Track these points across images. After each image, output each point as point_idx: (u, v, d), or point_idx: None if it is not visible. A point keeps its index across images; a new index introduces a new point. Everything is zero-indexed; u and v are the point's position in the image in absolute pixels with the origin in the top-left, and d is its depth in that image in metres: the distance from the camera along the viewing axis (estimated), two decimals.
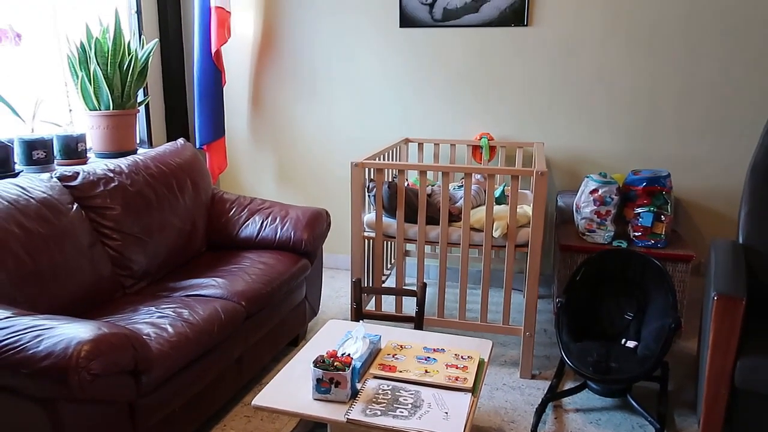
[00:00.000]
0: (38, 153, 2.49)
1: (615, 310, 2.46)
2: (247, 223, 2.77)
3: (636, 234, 2.83)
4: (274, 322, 2.46)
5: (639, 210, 2.81)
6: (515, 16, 3.23)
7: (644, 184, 2.83)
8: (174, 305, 2.06)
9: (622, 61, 3.17)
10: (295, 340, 2.79)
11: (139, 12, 3.47)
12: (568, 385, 2.46)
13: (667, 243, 2.81)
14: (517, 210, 2.51)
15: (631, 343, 2.34)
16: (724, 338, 1.85)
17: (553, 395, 2.34)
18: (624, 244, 2.82)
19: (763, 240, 2.21)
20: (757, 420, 1.88)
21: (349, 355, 1.72)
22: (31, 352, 1.46)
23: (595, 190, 2.84)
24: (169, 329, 1.87)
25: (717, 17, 3.00)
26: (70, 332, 1.51)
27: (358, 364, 1.73)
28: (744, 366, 1.84)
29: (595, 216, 2.83)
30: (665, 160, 3.22)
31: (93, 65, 2.77)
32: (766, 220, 2.22)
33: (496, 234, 2.51)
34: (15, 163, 2.42)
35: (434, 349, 1.92)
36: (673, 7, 3.04)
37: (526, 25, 3.23)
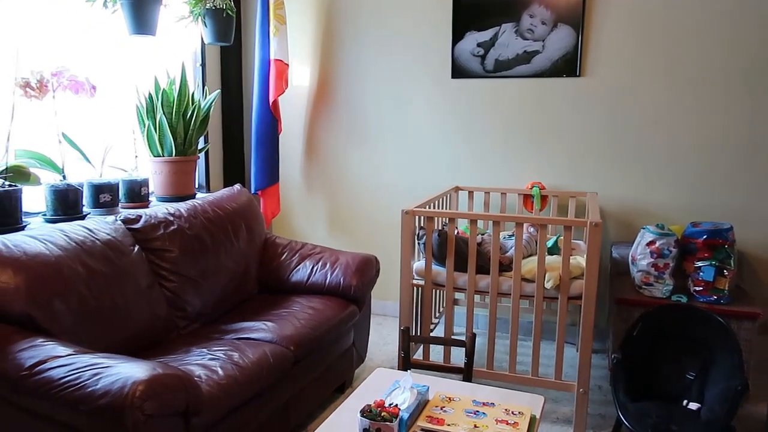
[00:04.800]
0: (105, 196, 2.62)
1: (675, 368, 2.34)
2: (297, 267, 2.81)
3: (697, 289, 2.71)
4: (321, 368, 2.46)
5: (699, 264, 2.70)
6: (567, 67, 3.24)
7: (705, 236, 2.72)
8: (225, 347, 2.09)
9: (679, 110, 3.11)
10: (342, 386, 2.77)
11: (203, 65, 3.66)
12: None
13: (731, 299, 2.68)
14: (571, 261, 2.46)
15: (693, 405, 2.21)
16: None
17: None
18: (684, 299, 2.70)
19: None
20: None
21: (396, 405, 1.69)
22: (89, 389, 1.51)
23: (652, 242, 2.75)
24: (220, 372, 1.89)
25: None
26: (126, 371, 1.55)
27: (406, 416, 1.70)
28: None
29: (653, 269, 2.74)
30: (727, 212, 3.10)
31: (159, 114, 2.93)
32: None
33: (548, 285, 2.46)
34: (83, 205, 2.55)
35: (484, 403, 1.87)
36: (734, 55, 2.99)
37: (579, 76, 3.24)
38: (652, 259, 2.74)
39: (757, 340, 2.65)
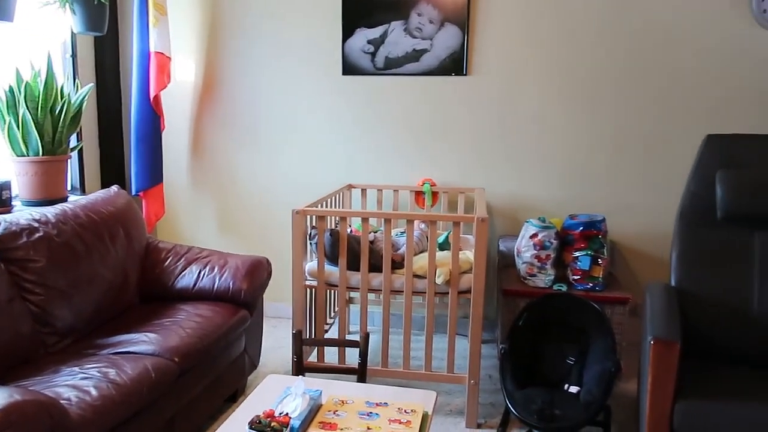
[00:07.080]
0: None
1: (557, 354, 2.47)
2: (183, 273, 2.66)
3: (575, 277, 2.88)
4: (210, 378, 2.35)
5: (577, 254, 2.87)
6: (455, 66, 3.32)
7: (581, 228, 2.90)
8: (100, 364, 1.93)
9: (557, 110, 3.29)
10: (234, 395, 2.66)
11: (74, 56, 3.37)
12: None
13: (605, 286, 2.87)
14: (460, 256, 2.52)
15: (573, 389, 2.35)
16: (661, 382, 1.88)
17: None
18: (564, 288, 2.86)
19: (693, 283, 2.28)
20: None
21: (287, 414, 1.65)
22: None
23: (534, 235, 2.89)
24: (93, 392, 1.74)
25: (649, 71, 3.17)
26: None
27: (297, 424, 1.65)
28: (681, 409, 1.86)
29: (536, 260, 2.88)
30: (601, 205, 3.33)
31: (22, 110, 2.66)
32: (696, 264, 2.30)
33: (438, 281, 2.50)
34: None
35: (377, 404, 1.87)
36: (607, 59, 3.20)
37: (466, 75, 3.33)
38: (535, 251, 2.87)
39: (628, 323, 2.86)
